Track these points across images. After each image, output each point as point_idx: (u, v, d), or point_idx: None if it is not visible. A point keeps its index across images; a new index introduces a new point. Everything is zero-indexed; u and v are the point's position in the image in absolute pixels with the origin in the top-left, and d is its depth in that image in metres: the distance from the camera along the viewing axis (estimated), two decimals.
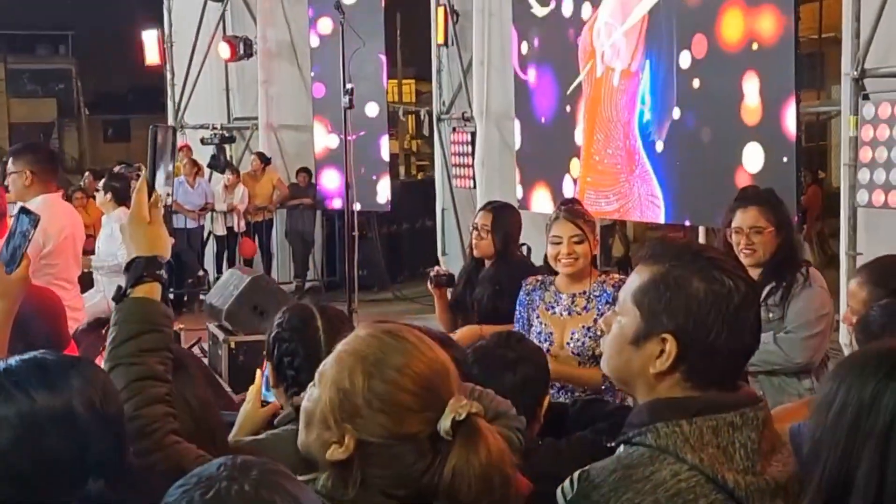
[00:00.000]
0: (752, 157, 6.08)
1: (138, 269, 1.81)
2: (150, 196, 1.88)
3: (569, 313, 3.61)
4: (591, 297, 3.61)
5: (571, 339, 3.55)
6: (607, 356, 1.65)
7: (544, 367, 2.54)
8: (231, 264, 11.14)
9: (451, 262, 10.91)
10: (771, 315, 3.46)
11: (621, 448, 1.59)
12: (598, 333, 3.47)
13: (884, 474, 1.30)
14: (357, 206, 8.51)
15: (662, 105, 6.96)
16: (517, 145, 9.01)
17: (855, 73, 5.80)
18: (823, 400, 1.45)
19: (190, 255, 11.43)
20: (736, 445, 1.49)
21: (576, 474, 1.57)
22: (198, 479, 1.24)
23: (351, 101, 6.95)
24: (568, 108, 8.25)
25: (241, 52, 11.86)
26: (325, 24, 10.96)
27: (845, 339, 5.29)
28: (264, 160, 12.10)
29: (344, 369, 1.54)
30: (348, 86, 6.95)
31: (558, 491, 1.61)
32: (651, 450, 1.50)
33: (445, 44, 10.47)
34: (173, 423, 1.72)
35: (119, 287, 1.83)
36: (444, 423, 1.47)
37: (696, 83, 6.57)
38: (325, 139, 11.54)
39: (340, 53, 7.45)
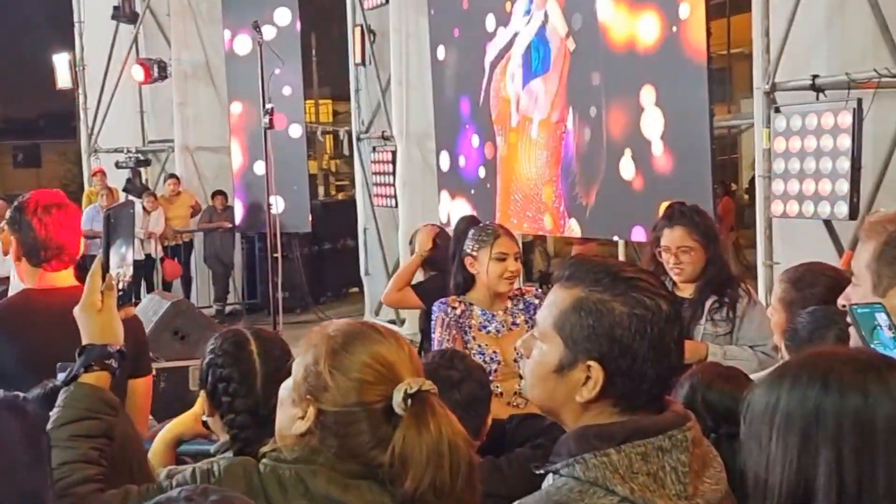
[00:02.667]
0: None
1: (89, 357, 1.82)
2: (104, 279, 1.87)
3: (506, 329, 3.63)
4: (517, 311, 3.66)
5: (517, 354, 3.55)
6: (531, 384, 1.61)
7: (487, 385, 2.53)
8: (150, 290, 10.90)
9: (374, 281, 10.88)
10: (718, 329, 3.52)
11: (550, 477, 1.55)
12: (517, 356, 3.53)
13: (842, 478, 1.30)
14: (276, 227, 8.44)
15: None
16: (444, 168, 9.08)
17: (766, 86, 5.95)
18: (763, 413, 1.42)
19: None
20: (666, 469, 1.46)
21: None
22: (156, 501, 1.24)
23: (271, 121, 6.88)
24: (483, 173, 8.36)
25: (156, 74, 11.70)
26: (243, 43, 10.85)
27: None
28: (177, 181, 11.93)
29: (311, 347, 1.63)
30: (268, 106, 6.89)
31: None
32: (580, 483, 1.46)
33: (363, 63, 10.46)
34: (98, 499, 1.73)
35: (69, 370, 1.84)
36: (397, 396, 1.55)
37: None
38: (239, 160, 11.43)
39: (259, 74, 7.38)
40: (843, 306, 1.97)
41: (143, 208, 11.46)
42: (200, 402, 2.47)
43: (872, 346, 1.60)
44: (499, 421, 2.72)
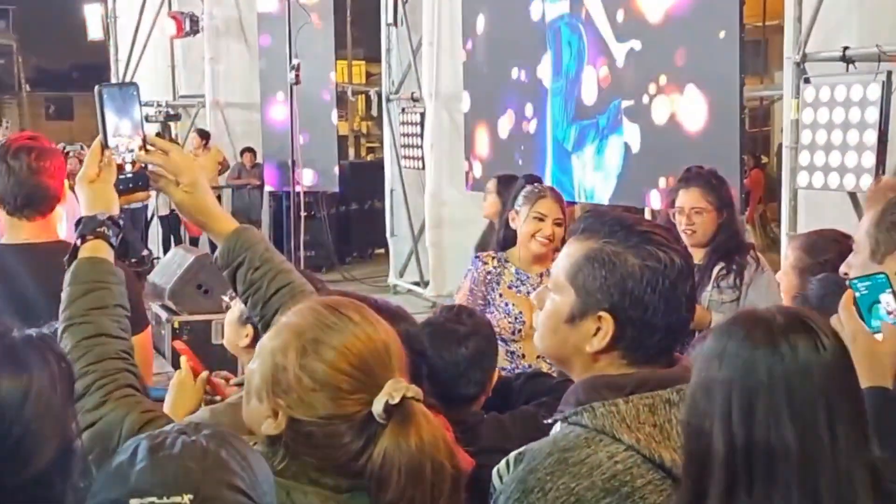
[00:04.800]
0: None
1: (83, 230, 1.78)
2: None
3: None
4: None
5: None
6: (541, 334, 1.63)
7: (494, 340, 2.55)
8: (177, 244, 11.02)
9: (399, 242, 10.92)
10: (724, 297, 3.50)
11: (557, 426, 1.58)
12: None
13: (732, 439, 1.33)
14: (302, 187, 8.46)
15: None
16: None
17: (797, 57, 5.88)
18: (704, 360, 1.44)
19: (133, 235, 11.29)
20: (673, 422, 1.48)
21: (511, 456, 1.56)
22: (148, 433, 1.25)
23: (297, 76, 6.89)
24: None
25: (188, 28, 11.72)
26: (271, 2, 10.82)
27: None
28: (204, 137, 11.96)
29: (281, 343, 1.50)
30: (294, 61, 6.90)
31: (494, 471, 1.60)
32: (587, 430, 1.48)
33: (395, 24, 10.42)
34: (129, 378, 1.69)
35: (68, 253, 1.81)
36: (377, 406, 1.43)
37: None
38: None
39: (287, 30, 7.39)
40: (845, 274, 1.98)
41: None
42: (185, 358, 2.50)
43: (871, 322, 1.60)
44: (506, 378, 2.76)
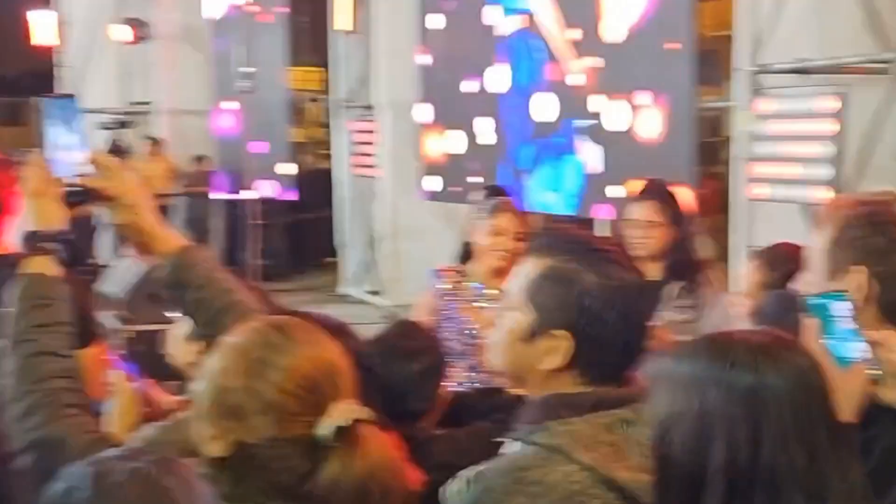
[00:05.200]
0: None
1: (27, 246, 1.76)
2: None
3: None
4: None
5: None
6: (497, 351, 1.62)
7: (445, 355, 2.52)
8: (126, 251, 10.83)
9: (352, 252, 10.85)
10: (682, 317, 3.41)
11: (513, 445, 1.56)
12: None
13: (735, 452, 1.32)
14: (257, 194, 8.38)
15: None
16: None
17: (750, 68, 5.93)
18: (669, 383, 1.43)
19: (82, 242, 11.08)
20: (630, 442, 1.48)
21: (469, 474, 1.53)
22: (90, 459, 1.23)
23: (250, 85, 6.81)
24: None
25: (140, 35, 11.56)
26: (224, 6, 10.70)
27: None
28: (156, 144, 11.83)
29: (225, 364, 1.47)
30: (248, 69, 6.81)
31: (452, 489, 1.57)
32: (543, 450, 1.48)
33: (349, 31, 10.36)
34: (73, 398, 1.65)
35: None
36: (325, 429, 1.41)
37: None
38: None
39: (241, 36, 7.30)
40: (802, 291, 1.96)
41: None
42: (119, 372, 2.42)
43: (827, 340, 1.57)
44: (462, 393, 2.71)
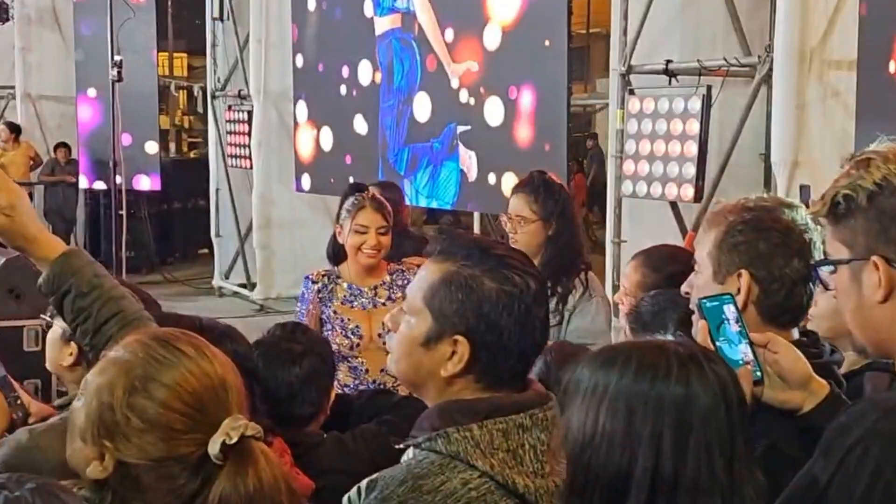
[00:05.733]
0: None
1: None
2: None
3: (373, 305, 3.51)
4: (394, 286, 3.54)
5: (384, 330, 3.47)
6: (396, 357, 1.61)
7: (330, 358, 2.49)
8: None
9: (225, 243, 10.64)
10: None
11: (410, 451, 1.55)
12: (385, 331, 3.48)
13: (658, 464, 1.35)
14: (122, 184, 8.13)
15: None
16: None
17: (622, 68, 6.08)
18: (591, 392, 1.45)
19: None
20: (526, 447, 1.49)
21: (363, 483, 1.52)
22: None
23: (119, 73, 6.58)
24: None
25: None
26: None
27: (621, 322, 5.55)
28: (14, 131, 11.31)
29: (107, 380, 1.40)
30: (116, 58, 6.58)
31: (344, 499, 1.55)
32: (441, 457, 1.47)
33: (221, 18, 10.14)
34: None
35: None
36: (213, 447, 1.36)
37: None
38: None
39: (108, 24, 7.05)
40: (686, 293, 2.01)
41: None
42: None
43: (718, 342, 1.63)
44: (346, 395, 2.70)
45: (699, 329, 1.69)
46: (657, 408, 1.36)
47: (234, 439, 1.36)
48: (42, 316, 2.54)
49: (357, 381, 3.39)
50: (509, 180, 6.24)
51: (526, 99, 6.39)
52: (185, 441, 1.37)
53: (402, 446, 1.58)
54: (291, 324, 2.58)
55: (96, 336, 1.72)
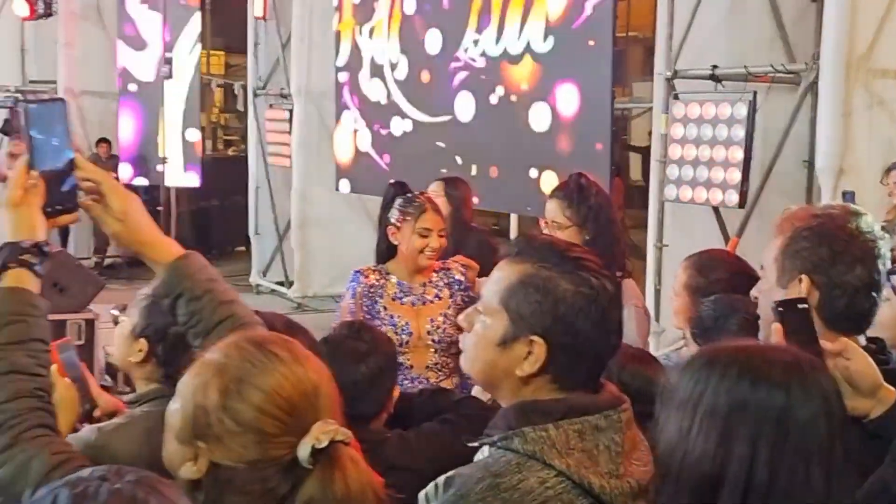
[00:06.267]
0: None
1: (4, 258, 1.65)
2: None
3: (422, 303, 3.56)
4: (441, 284, 3.59)
5: (431, 328, 3.52)
6: (471, 356, 1.62)
7: (394, 357, 2.51)
8: None
9: (263, 241, 10.72)
10: None
11: (485, 450, 1.56)
12: (455, 329, 3.50)
13: (752, 472, 1.36)
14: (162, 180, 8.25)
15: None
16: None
17: (668, 73, 6.08)
18: (688, 400, 1.48)
19: None
20: (600, 448, 1.50)
21: (441, 480, 1.53)
22: (67, 480, 1.15)
23: (170, 70, 6.67)
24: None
25: (41, 10, 11.15)
26: None
27: (667, 320, 5.54)
28: None
29: (202, 382, 1.42)
30: (167, 55, 6.66)
31: (421, 495, 1.57)
32: (518, 456, 1.48)
33: (263, 17, 10.21)
34: (43, 418, 1.56)
35: None
36: (303, 451, 1.37)
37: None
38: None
39: (161, 20, 7.13)
40: (755, 298, 2.03)
41: (11, 154, 10.97)
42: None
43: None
44: (407, 394, 2.72)
45: (773, 332, 1.70)
46: (755, 413, 1.37)
47: (324, 443, 1.36)
48: (111, 311, 2.58)
49: (401, 378, 3.42)
50: (550, 180, 6.27)
51: (569, 98, 6.39)
52: (278, 444, 1.38)
53: (475, 444, 1.59)
54: (357, 323, 2.61)
55: (208, 338, 1.72)
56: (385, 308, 3.54)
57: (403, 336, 3.48)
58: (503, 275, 1.59)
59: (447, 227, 3.71)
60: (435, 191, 4.73)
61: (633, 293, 3.38)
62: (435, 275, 3.61)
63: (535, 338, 1.53)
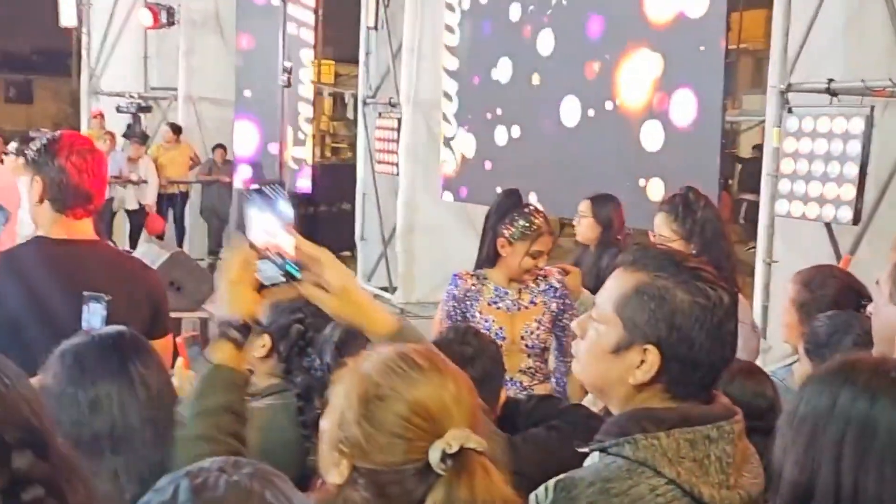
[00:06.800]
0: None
1: (218, 331, 1.80)
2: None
3: (517, 308, 3.62)
4: (536, 291, 3.65)
5: (525, 333, 3.58)
6: (584, 363, 1.64)
7: (500, 360, 2.55)
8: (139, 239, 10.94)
9: (368, 246, 10.90)
10: None
11: (595, 456, 1.58)
12: (547, 334, 3.55)
13: (839, 480, 1.37)
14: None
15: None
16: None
17: (782, 86, 5.97)
18: (788, 412, 1.50)
19: (99, 228, 11.13)
20: (711, 458, 1.51)
21: (551, 483, 1.56)
22: (187, 470, 1.21)
23: (289, 79, 6.86)
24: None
25: (164, 20, 11.59)
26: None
27: (775, 337, 5.44)
28: (176, 131, 11.86)
29: (345, 389, 1.50)
30: (286, 64, 6.86)
31: (532, 497, 1.60)
32: (629, 462, 1.50)
33: (375, 27, 10.40)
34: None
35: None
36: (433, 455, 1.42)
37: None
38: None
39: (280, 30, 7.35)
40: (869, 314, 2.02)
41: (130, 158, 11.43)
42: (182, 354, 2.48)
43: None
44: (513, 399, 2.76)
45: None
46: (841, 424, 1.38)
47: (454, 449, 1.41)
48: (204, 307, 2.72)
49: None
50: (657, 189, 6.24)
51: (680, 104, 6.34)
52: (414, 449, 1.44)
53: (586, 450, 1.61)
54: (464, 326, 2.65)
55: None
56: (480, 312, 3.61)
57: (498, 341, 3.54)
58: (618, 283, 1.61)
59: (594, 244, 3.69)
60: (583, 211, 4.74)
61: (741, 309, 3.34)
62: (532, 282, 3.66)
63: (649, 346, 1.55)
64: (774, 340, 5.71)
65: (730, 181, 15.38)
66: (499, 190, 4.89)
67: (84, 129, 12.48)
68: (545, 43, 7.70)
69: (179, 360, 2.65)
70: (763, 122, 6.77)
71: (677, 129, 6.40)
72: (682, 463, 1.49)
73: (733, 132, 15.76)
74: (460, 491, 1.40)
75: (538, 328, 3.59)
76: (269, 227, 1.79)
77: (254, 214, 1.80)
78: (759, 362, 5.22)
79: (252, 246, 1.79)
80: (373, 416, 1.45)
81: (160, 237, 11.29)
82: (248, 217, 1.81)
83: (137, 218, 11.75)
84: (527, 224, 3.60)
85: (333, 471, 1.48)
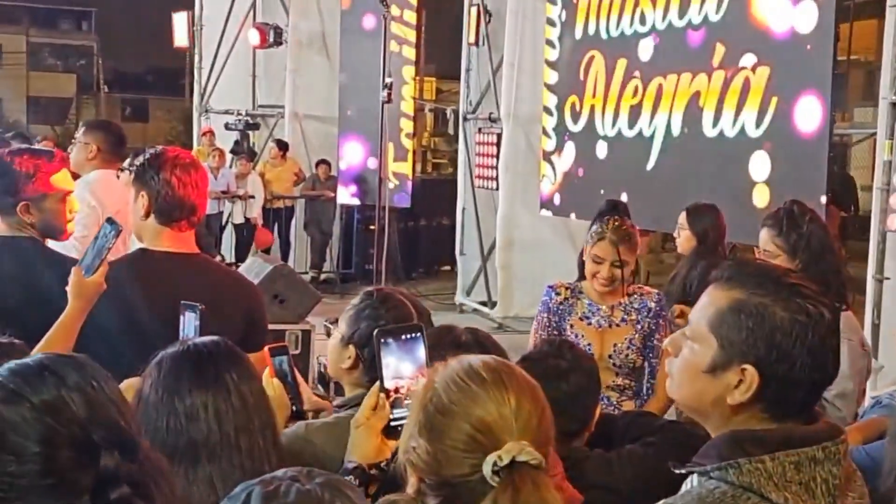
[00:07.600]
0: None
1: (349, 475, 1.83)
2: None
3: (608, 325, 3.58)
4: (630, 309, 3.59)
5: (614, 351, 3.54)
6: (678, 382, 1.61)
7: (596, 376, 2.54)
8: (246, 252, 11.22)
9: (467, 261, 10.94)
10: None
11: (693, 479, 1.54)
12: (637, 355, 3.49)
13: None
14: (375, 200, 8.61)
15: None
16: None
17: (893, 97, 5.79)
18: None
19: (207, 240, 11.48)
20: (818, 481, 1.46)
21: None
22: (261, 479, 1.24)
23: (388, 95, 6.96)
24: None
25: (272, 40, 11.87)
26: (368, 20, 10.70)
27: (887, 357, 5.28)
28: (283, 148, 12.13)
29: (416, 402, 1.54)
30: (387, 80, 6.96)
31: None
32: (733, 487, 1.46)
33: (476, 44, 10.46)
34: None
35: None
36: (486, 467, 1.42)
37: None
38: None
39: (382, 47, 7.46)
40: None
41: (237, 174, 11.75)
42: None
43: None
44: (609, 415, 2.74)
45: None
46: None
47: (505, 462, 1.40)
48: (325, 324, 2.75)
49: None
50: (762, 196, 6.12)
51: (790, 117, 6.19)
52: (473, 462, 1.44)
53: (683, 472, 1.57)
54: (559, 340, 2.64)
55: None
56: (572, 326, 3.59)
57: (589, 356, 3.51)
58: (712, 300, 1.57)
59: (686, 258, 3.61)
60: (681, 223, 4.67)
61: (850, 327, 3.25)
62: (627, 298, 3.61)
63: (748, 366, 1.50)
64: (886, 360, 5.52)
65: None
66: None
67: (195, 146, 12.90)
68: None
69: (266, 369, 2.69)
70: (874, 134, 6.56)
71: (786, 142, 6.24)
72: (789, 487, 1.44)
73: (841, 146, 15.31)
74: (509, 502, 1.40)
75: (628, 348, 3.54)
76: (403, 371, 1.84)
77: (388, 358, 1.84)
78: (869, 383, 5.06)
79: (384, 390, 1.83)
80: (436, 432, 1.47)
81: (266, 251, 11.55)
82: (381, 363, 1.84)
83: (244, 231, 12.05)
84: (598, 229, 3.58)
85: (409, 481, 1.51)
